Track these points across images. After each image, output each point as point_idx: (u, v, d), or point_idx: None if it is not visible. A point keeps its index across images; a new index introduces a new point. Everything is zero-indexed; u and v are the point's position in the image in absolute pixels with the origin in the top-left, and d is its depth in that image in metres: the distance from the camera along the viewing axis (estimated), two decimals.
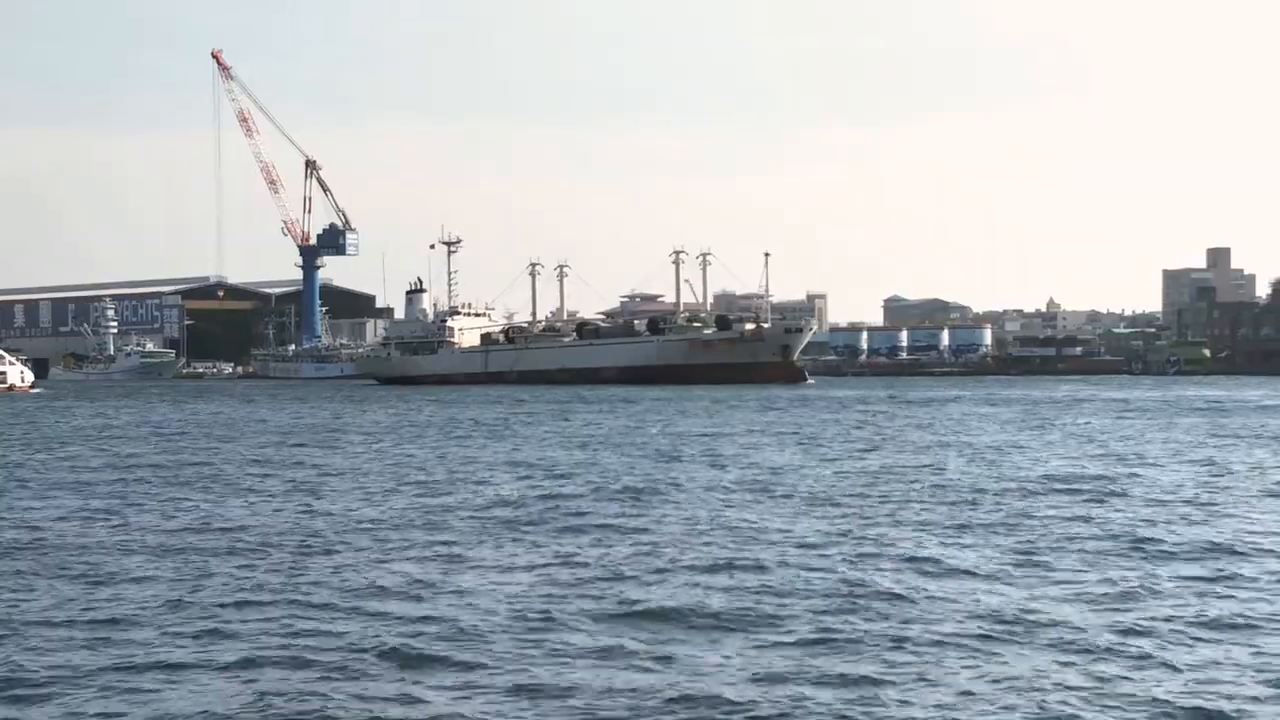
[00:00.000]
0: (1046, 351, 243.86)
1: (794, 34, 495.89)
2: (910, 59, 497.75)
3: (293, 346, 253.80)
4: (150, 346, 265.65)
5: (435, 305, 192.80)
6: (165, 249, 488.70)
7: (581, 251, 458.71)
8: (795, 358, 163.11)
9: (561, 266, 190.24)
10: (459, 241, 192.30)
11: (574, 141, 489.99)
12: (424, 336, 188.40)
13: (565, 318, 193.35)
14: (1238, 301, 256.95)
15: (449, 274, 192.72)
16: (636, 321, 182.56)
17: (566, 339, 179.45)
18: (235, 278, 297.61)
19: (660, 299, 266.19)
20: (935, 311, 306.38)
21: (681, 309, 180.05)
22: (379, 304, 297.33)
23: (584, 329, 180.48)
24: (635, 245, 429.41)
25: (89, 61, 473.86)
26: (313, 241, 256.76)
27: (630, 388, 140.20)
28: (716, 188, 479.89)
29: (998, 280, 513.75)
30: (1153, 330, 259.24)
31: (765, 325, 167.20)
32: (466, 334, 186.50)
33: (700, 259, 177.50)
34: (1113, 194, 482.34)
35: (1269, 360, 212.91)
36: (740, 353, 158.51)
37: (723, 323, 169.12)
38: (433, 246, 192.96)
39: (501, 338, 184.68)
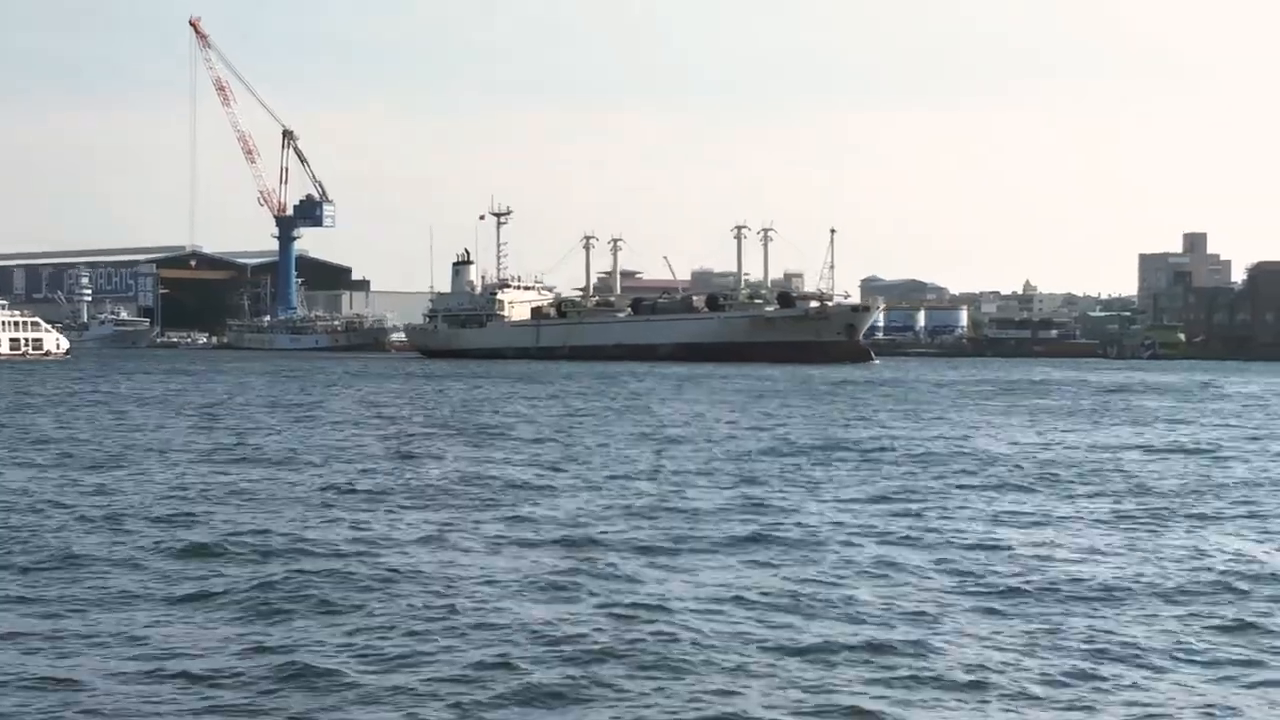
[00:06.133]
0: (1022, 333, 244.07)
1: (778, 19, 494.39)
2: (890, 42, 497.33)
3: (268, 318, 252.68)
4: (124, 315, 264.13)
5: (484, 277, 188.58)
6: (140, 218, 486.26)
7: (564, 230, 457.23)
8: (861, 337, 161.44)
9: (615, 240, 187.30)
10: (509, 212, 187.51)
11: (545, 116, 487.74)
12: (472, 310, 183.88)
13: (619, 293, 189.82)
14: (1214, 287, 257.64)
15: (498, 246, 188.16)
16: (695, 297, 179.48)
17: (621, 314, 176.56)
18: (210, 248, 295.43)
19: (638, 275, 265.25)
20: (911, 292, 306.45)
21: (743, 286, 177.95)
22: (355, 276, 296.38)
23: (639, 304, 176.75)
24: (610, 221, 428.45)
25: (64, 27, 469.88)
26: (289, 212, 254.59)
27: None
28: (693, 165, 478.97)
29: (975, 262, 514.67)
30: (1128, 314, 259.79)
31: (830, 303, 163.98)
32: (516, 307, 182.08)
33: (748, 235, 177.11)
34: (1090, 178, 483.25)
35: (1244, 345, 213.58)
36: (804, 331, 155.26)
37: (785, 300, 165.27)
38: (482, 218, 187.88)
39: (553, 312, 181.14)
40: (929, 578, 20.63)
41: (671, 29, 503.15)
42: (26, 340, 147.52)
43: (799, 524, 25.97)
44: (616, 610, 18.12)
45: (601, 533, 24.69)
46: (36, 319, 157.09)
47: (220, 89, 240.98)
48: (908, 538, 24.54)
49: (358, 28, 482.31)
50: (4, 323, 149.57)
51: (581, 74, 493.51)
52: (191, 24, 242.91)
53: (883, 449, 42.95)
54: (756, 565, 21.65)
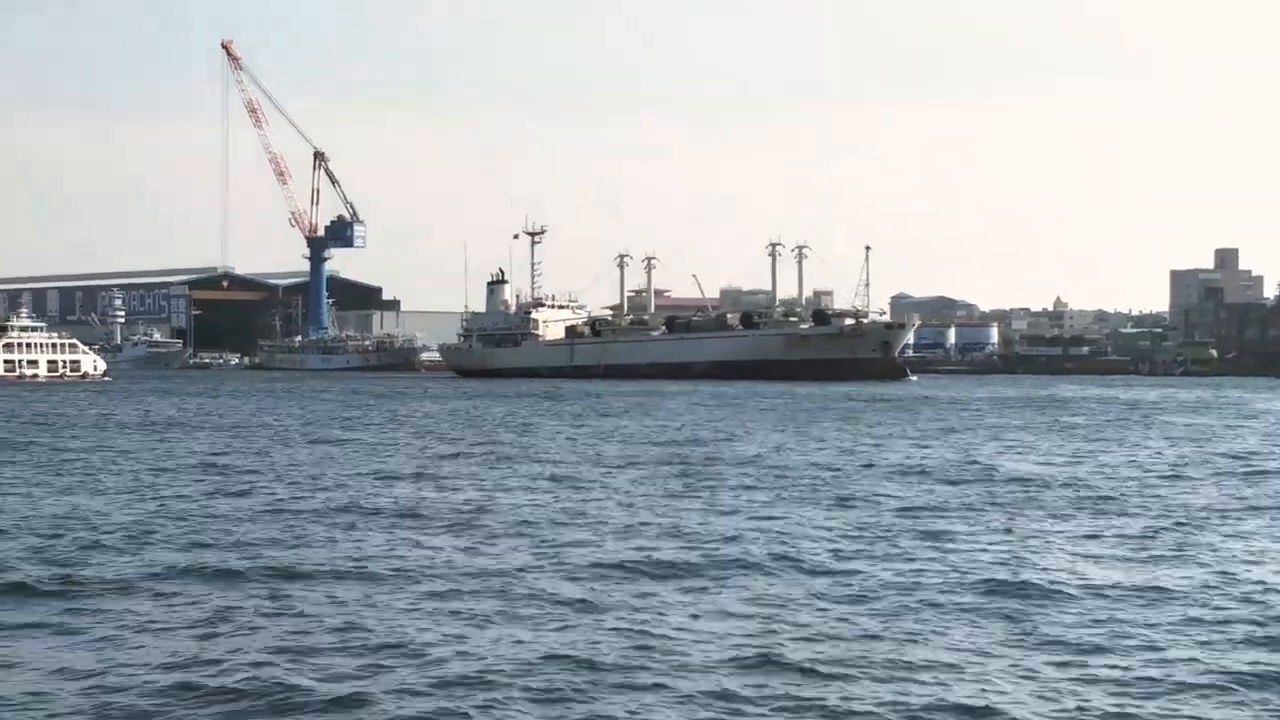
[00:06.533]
0: (1053, 350, 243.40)
1: (798, 25, 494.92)
2: (917, 54, 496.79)
3: (299, 338, 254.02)
4: (157, 336, 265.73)
5: (518, 297, 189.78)
6: (172, 239, 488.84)
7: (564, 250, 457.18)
8: (896, 354, 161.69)
9: (650, 258, 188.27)
10: (543, 231, 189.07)
11: (560, 131, 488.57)
12: (507, 329, 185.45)
13: (653, 311, 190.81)
14: (1245, 302, 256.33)
15: (532, 265, 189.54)
16: (730, 315, 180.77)
17: (655, 333, 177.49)
18: (242, 269, 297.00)
19: (667, 293, 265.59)
20: (942, 309, 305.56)
21: (778, 303, 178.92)
22: (385, 296, 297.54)
23: (673, 323, 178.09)
24: (634, 239, 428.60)
25: (98, 49, 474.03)
26: (320, 233, 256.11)
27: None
28: (718, 183, 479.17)
29: (1005, 278, 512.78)
30: (1160, 330, 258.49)
31: (865, 321, 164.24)
32: (551, 327, 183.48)
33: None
34: (1121, 193, 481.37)
35: (1276, 362, 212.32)
36: (839, 348, 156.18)
37: (820, 317, 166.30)
38: (516, 237, 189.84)
39: (587, 331, 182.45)
40: (946, 598, 20.65)
41: (693, 40, 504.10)
42: (65, 362, 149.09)
43: (821, 542, 26.02)
44: (627, 630, 18.25)
45: (617, 553, 24.78)
46: (74, 340, 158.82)
47: (252, 111, 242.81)
48: (926, 556, 24.56)
49: (389, 48, 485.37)
50: (43, 344, 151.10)
51: (606, 90, 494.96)
52: (223, 46, 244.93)
53: (905, 468, 42.94)
54: (775, 584, 21.71)
